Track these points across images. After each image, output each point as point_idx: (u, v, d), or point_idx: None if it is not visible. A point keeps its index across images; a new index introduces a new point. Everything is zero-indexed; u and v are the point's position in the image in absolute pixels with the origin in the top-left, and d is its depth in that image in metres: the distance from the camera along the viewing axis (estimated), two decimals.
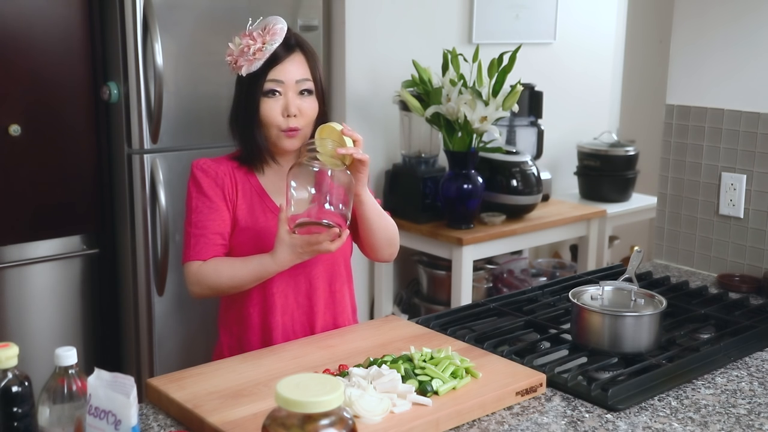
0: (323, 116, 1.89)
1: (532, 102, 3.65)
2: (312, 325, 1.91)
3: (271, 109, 1.82)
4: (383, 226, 1.88)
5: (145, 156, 2.81)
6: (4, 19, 2.65)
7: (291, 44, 1.84)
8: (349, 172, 1.71)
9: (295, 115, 1.82)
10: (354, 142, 1.71)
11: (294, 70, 1.83)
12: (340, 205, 1.69)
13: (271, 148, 1.87)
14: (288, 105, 1.82)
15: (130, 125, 2.80)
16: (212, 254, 1.84)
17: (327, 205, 1.68)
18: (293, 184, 1.68)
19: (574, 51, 4.09)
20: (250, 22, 1.86)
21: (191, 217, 1.86)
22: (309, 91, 1.85)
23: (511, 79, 3.11)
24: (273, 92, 1.82)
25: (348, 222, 1.71)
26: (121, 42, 2.76)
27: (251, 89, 1.82)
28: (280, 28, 1.81)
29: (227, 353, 1.89)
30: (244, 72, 1.80)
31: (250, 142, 1.86)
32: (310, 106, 1.85)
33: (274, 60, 1.80)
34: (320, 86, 1.88)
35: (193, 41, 2.85)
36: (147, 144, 2.81)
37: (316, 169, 1.67)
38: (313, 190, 1.68)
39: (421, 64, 3.17)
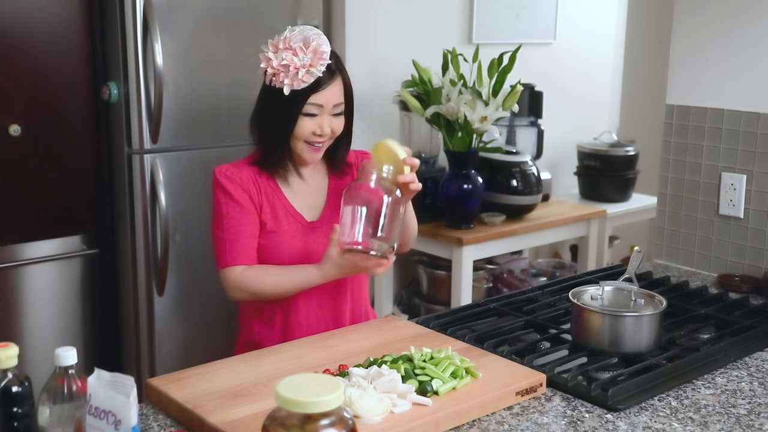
0: (349, 128, 1.94)
1: (532, 102, 3.65)
2: (338, 321, 1.95)
3: (307, 128, 1.85)
4: (411, 231, 1.95)
5: (145, 156, 2.81)
6: (4, 19, 2.65)
7: (333, 69, 1.85)
8: (402, 197, 1.76)
9: (326, 134, 1.87)
10: (410, 167, 1.76)
11: (334, 95, 1.86)
12: (392, 235, 1.74)
13: (295, 159, 1.92)
14: (323, 125, 1.85)
15: (130, 125, 2.80)
16: (251, 259, 1.88)
17: (379, 232, 1.73)
18: (348, 204, 1.73)
19: (574, 51, 4.10)
20: (288, 29, 1.84)
21: (222, 222, 1.88)
22: (341, 112, 1.89)
23: (511, 79, 3.11)
24: (311, 114, 1.84)
25: (395, 249, 1.77)
26: (121, 42, 2.76)
27: (291, 108, 1.84)
28: (326, 51, 1.81)
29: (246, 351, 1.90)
30: (287, 90, 1.81)
31: (276, 152, 1.89)
32: (339, 125, 1.90)
33: (317, 84, 1.82)
34: (351, 102, 1.92)
35: (193, 41, 2.85)
36: (147, 144, 2.81)
37: (386, 197, 1.72)
38: (364, 211, 1.72)
39: (421, 64, 3.17)
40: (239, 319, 2.03)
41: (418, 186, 1.78)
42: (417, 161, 1.78)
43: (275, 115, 1.86)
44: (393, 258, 1.79)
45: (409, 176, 1.76)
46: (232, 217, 1.87)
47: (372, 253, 1.74)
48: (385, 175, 1.74)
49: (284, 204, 1.91)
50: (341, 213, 1.75)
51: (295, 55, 1.79)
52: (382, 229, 1.73)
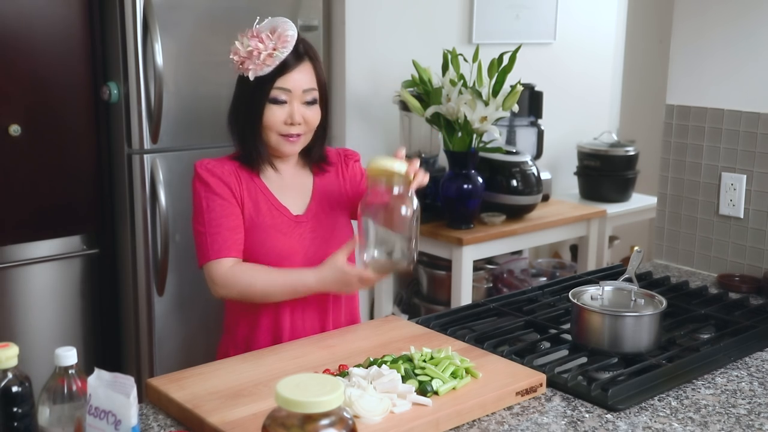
0: (324, 122, 1.90)
1: (532, 102, 3.65)
2: (323, 326, 1.92)
3: (276, 116, 1.81)
4: None
5: (145, 156, 2.81)
6: (4, 19, 2.65)
7: (300, 52, 1.82)
8: (416, 201, 1.72)
9: (299, 123, 1.83)
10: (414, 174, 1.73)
11: (301, 79, 1.82)
12: (413, 245, 1.72)
13: (270, 152, 1.87)
14: (293, 114, 1.81)
15: (130, 125, 2.80)
16: (234, 251, 1.82)
17: (408, 244, 1.71)
18: (367, 220, 1.70)
19: (574, 51, 4.09)
20: (257, 20, 1.84)
21: (203, 216, 1.83)
22: (314, 100, 1.85)
23: (511, 79, 3.11)
24: (279, 100, 1.81)
25: (415, 259, 1.75)
26: (121, 42, 2.76)
27: (257, 94, 1.81)
28: (291, 35, 1.79)
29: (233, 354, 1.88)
30: (251, 76, 1.79)
31: (249, 145, 1.86)
32: (314, 115, 1.85)
33: (283, 67, 1.79)
34: (324, 93, 1.88)
35: (193, 41, 2.85)
36: (147, 144, 2.81)
37: (404, 209, 1.70)
38: (370, 225, 1.70)
39: (421, 64, 3.17)
40: (224, 322, 1.99)
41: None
42: (417, 164, 1.72)
43: (246, 104, 1.83)
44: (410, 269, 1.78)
45: (415, 184, 1.72)
46: (213, 210, 1.82)
47: (395, 262, 1.73)
48: (396, 194, 1.70)
49: (269, 198, 1.87)
50: (359, 225, 1.72)
51: (260, 42, 1.78)
52: (410, 238, 1.71)
